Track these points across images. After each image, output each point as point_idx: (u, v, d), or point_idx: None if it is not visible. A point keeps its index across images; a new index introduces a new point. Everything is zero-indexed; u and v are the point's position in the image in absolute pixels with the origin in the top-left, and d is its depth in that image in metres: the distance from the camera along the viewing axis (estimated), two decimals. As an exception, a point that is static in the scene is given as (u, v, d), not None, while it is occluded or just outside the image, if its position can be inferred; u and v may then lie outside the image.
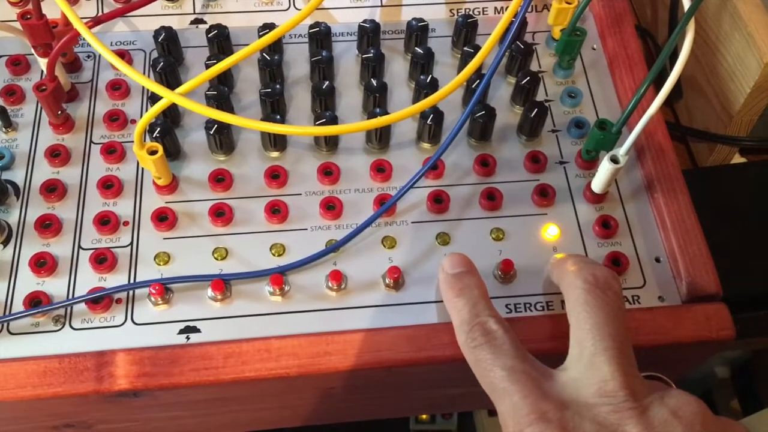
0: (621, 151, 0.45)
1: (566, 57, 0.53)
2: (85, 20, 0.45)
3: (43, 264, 0.45)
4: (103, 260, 0.45)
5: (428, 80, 0.50)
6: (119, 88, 0.52)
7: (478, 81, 0.50)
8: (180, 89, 0.41)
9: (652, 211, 0.48)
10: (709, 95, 0.60)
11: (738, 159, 0.62)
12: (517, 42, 0.53)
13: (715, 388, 0.89)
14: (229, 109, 0.51)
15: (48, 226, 0.46)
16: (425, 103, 0.44)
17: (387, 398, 0.51)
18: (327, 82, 0.50)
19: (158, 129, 0.47)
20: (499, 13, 0.57)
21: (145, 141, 0.45)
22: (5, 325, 0.43)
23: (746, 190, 0.57)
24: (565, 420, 0.34)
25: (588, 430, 0.34)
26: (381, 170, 0.49)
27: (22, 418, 0.45)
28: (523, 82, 0.51)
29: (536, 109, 0.49)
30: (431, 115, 0.49)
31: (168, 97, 0.40)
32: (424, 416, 0.99)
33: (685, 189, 0.48)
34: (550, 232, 0.48)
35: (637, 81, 0.53)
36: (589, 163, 0.50)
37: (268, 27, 0.53)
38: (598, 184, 0.47)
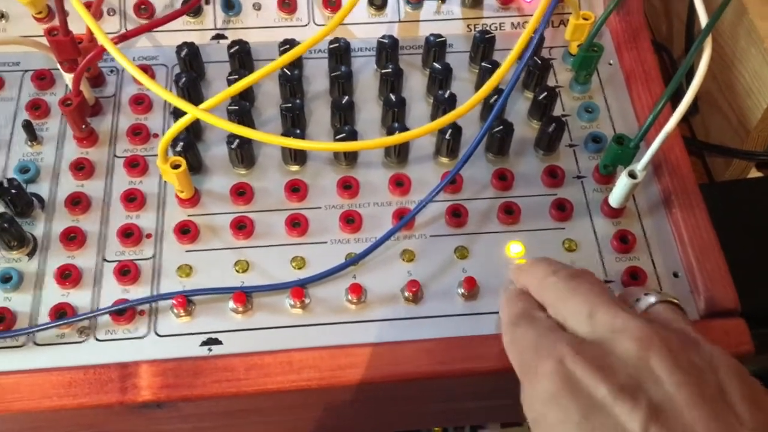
0: (639, 166, 0.45)
1: (583, 72, 0.54)
2: (110, 36, 0.45)
3: (67, 276, 0.45)
4: (126, 272, 0.46)
5: (446, 95, 0.51)
6: (142, 102, 0.53)
7: (496, 96, 0.50)
8: (204, 105, 0.42)
9: (669, 226, 0.49)
10: (725, 110, 0.60)
11: (754, 173, 0.62)
12: (535, 57, 0.53)
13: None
14: (250, 124, 0.51)
15: (73, 238, 0.47)
16: (444, 120, 0.44)
17: (406, 411, 0.52)
18: (346, 97, 0.51)
19: (181, 143, 0.48)
20: (516, 28, 0.58)
21: (168, 155, 0.46)
22: (31, 336, 0.44)
23: (763, 204, 0.57)
24: (584, 351, 0.33)
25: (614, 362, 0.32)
26: (400, 184, 0.50)
27: (46, 428, 0.46)
28: (540, 98, 0.52)
29: (554, 124, 0.50)
30: (450, 130, 0.49)
31: (192, 112, 0.41)
32: (436, 429, 0.99)
33: (703, 204, 0.49)
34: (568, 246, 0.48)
35: (654, 96, 0.53)
36: (607, 178, 0.50)
37: (289, 42, 0.53)
38: (615, 198, 0.48)
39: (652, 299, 0.37)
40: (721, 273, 0.46)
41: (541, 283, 0.39)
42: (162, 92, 0.42)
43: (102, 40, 0.44)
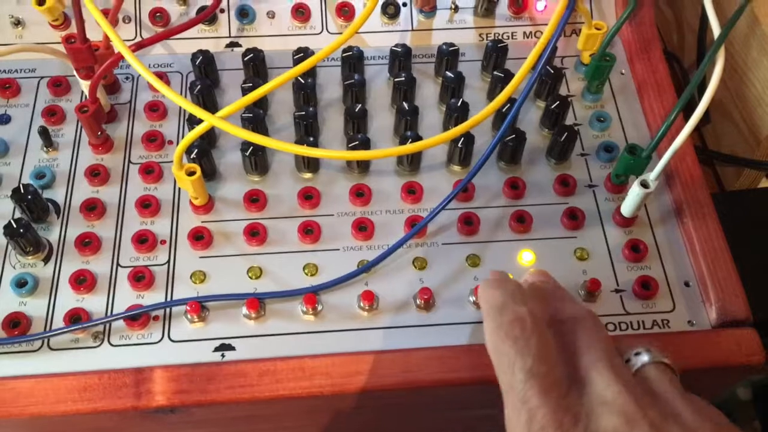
0: (651, 176, 0.45)
1: (595, 82, 0.54)
2: (126, 43, 0.46)
3: (82, 281, 0.46)
4: (141, 278, 0.46)
5: (459, 104, 0.51)
6: (157, 109, 0.53)
7: (508, 105, 0.51)
8: (221, 113, 0.42)
9: (681, 235, 0.49)
10: (736, 120, 0.60)
11: (765, 183, 0.62)
12: (547, 67, 0.53)
13: (736, 410, 0.88)
14: (264, 131, 0.52)
15: (88, 244, 0.47)
16: (459, 129, 0.45)
17: (416, 418, 0.52)
18: (360, 106, 0.51)
19: (196, 150, 0.48)
20: (528, 38, 0.58)
21: (182, 162, 0.46)
22: (46, 340, 0.44)
23: (774, 214, 0.57)
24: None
25: None
26: (412, 192, 0.50)
27: (59, 432, 0.46)
28: (552, 107, 0.52)
29: (566, 133, 0.50)
30: (462, 139, 0.50)
31: (209, 120, 0.42)
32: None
33: (714, 214, 0.49)
34: (580, 255, 0.48)
35: (666, 106, 0.53)
36: (619, 187, 0.50)
37: (303, 51, 0.54)
38: (627, 208, 0.48)
39: (645, 358, 0.38)
40: (733, 283, 0.46)
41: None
42: (179, 100, 0.43)
43: (120, 47, 0.44)
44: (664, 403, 0.35)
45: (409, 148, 0.45)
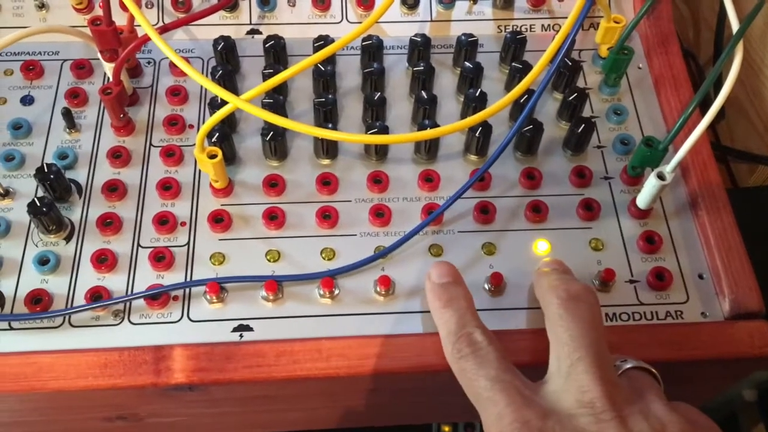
0: (668, 168, 0.46)
1: (613, 75, 0.54)
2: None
3: (103, 260, 0.47)
4: (161, 258, 0.47)
5: (477, 94, 0.52)
6: (178, 93, 0.54)
7: (526, 96, 0.51)
8: (245, 95, 0.43)
9: (695, 228, 0.49)
10: (751, 116, 0.61)
11: (779, 180, 0.63)
12: (565, 59, 0.54)
13: (741, 411, 0.88)
14: (284, 117, 0.52)
15: (109, 224, 0.48)
16: (478, 117, 0.45)
17: (430, 402, 0.52)
18: (379, 94, 0.52)
19: (217, 134, 0.49)
20: (546, 30, 0.59)
21: (204, 145, 0.47)
22: (67, 317, 0.45)
23: (787, 211, 0.58)
24: (547, 429, 0.35)
25: None
26: (429, 180, 0.50)
27: (79, 408, 0.47)
28: (570, 99, 0.52)
29: (583, 125, 0.50)
30: (480, 128, 0.50)
31: (235, 102, 0.42)
32: (446, 428, 1.00)
33: (729, 207, 0.49)
34: (595, 245, 0.49)
35: (683, 101, 0.54)
36: (634, 179, 0.51)
37: (323, 39, 0.54)
38: (643, 200, 0.48)
39: (629, 365, 0.40)
40: (746, 275, 0.46)
41: (542, 297, 0.42)
42: (206, 82, 0.43)
43: (147, 29, 0.45)
44: (641, 402, 0.37)
45: (429, 133, 0.45)
